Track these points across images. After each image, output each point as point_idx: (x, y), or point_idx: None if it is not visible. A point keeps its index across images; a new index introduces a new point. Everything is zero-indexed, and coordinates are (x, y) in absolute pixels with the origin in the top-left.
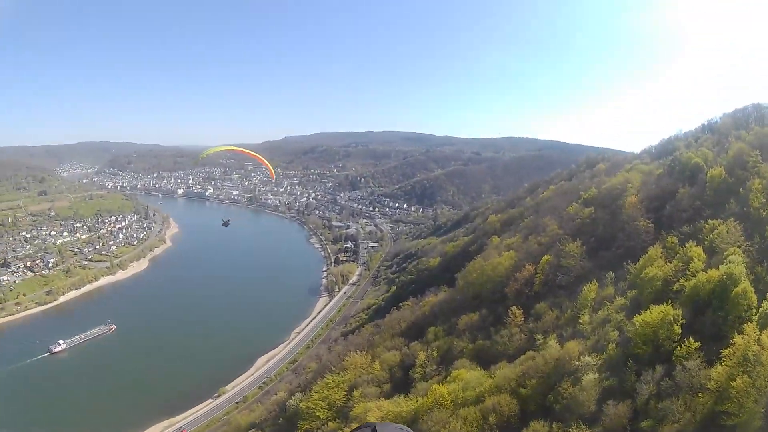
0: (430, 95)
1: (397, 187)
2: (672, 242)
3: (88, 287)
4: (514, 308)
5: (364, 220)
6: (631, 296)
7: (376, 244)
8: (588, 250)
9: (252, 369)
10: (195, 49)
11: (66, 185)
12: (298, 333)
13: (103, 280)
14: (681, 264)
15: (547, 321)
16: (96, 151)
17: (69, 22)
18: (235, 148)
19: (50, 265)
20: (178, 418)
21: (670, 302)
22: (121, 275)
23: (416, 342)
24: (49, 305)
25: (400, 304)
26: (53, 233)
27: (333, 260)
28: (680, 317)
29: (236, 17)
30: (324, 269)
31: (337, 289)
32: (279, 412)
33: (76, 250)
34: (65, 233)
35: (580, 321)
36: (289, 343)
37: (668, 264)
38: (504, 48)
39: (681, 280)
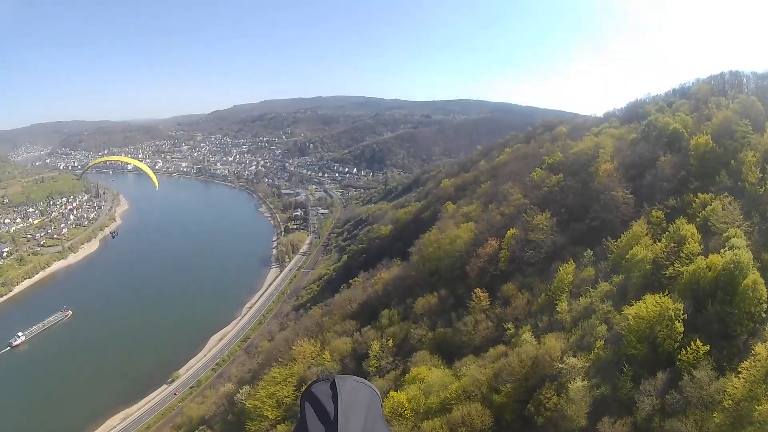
0: (380, 59)
1: (346, 151)
2: (658, 217)
3: (41, 274)
4: (478, 290)
5: (314, 186)
6: (617, 282)
7: (326, 211)
8: (558, 222)
9: (205, 350)
10: (139, 20)
11: (19, 170)
12: (250, 308)
13: (56, 266)
14: (673, 244)
15: (517, 306)
16: (49, 132)
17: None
18: (116, 158)
19: (4, 254)
20: (134, 408)
21: (666, 292)
22: (72, 259)
23: (369, 327)
24: (5, 297)
25: (351, 281)
26: (7, 221)
27: (283, 229)
28: (681, 312)
29: None
30: (274, 239)
31: (287, 259)
32: (228, 406)
33: (29, 236)
34: (18, 220)
35: (558, 309)
36: (241, 319)
37: (657, 244)
38: (454, 9)
39: (676, 264)
